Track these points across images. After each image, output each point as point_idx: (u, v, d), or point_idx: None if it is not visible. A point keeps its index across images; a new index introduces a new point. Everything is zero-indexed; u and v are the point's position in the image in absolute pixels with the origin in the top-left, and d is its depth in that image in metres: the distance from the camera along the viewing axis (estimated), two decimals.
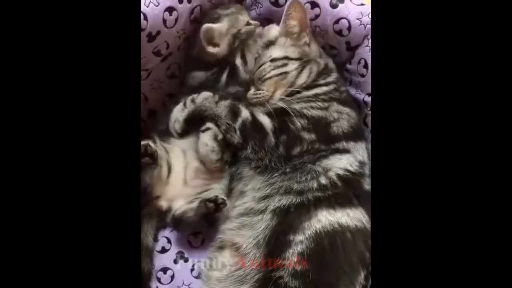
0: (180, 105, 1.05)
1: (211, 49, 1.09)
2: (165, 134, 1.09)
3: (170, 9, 1.01)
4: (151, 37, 1.00)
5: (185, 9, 1.06)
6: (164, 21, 1.00)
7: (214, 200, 0.98)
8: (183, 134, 1.06)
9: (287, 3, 1.05)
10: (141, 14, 0.93)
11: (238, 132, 0.98)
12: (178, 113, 1.05)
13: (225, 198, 1.00)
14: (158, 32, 1.01)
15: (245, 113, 1.00)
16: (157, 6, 0.97)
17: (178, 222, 1.07)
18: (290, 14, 1.05)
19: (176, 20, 1.04)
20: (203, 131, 1.01)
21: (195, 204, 1.01)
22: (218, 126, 1.00)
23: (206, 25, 1.05)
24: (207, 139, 1.00)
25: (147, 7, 0.95)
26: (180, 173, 1.08)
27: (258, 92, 1.03)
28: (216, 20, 1.09)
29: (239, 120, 0.99)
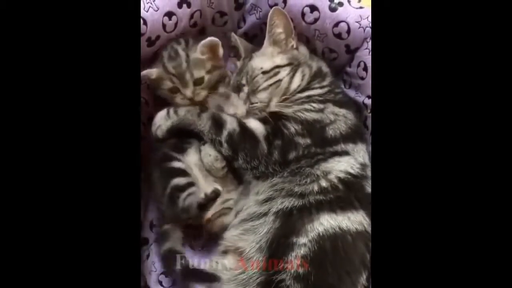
0: (164, 113, 1.05)
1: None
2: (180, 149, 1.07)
3: (169, 14, 1.01)
4: (151, 42, 1.01)
5: (185, 13, 1.06)
6: (164, 25, 1.01)
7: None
8: (164, 139, 1.05)
9: (269, 13, 1.05)
10: (141, 19, 0.94)
11: (225, 144, 0.98)
12: (162, 121, 1.04)
13: (220, 188, 0.97)
14: (158, 37, 1.01)
15: (230, 124, 0.99)
16: (156, 11, 0.98)
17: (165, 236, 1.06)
18: (274, 23, 1.05)
19: (176, 24, 1.05)
20: (204, 144, 1.03)
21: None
22: (205, 141, 1.01)
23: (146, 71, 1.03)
24: (208, 149, 1.02)
25: (147, 12, 0.96)
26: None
27: (254, 104, 1.03)
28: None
29: (224, 133, 0.98)
